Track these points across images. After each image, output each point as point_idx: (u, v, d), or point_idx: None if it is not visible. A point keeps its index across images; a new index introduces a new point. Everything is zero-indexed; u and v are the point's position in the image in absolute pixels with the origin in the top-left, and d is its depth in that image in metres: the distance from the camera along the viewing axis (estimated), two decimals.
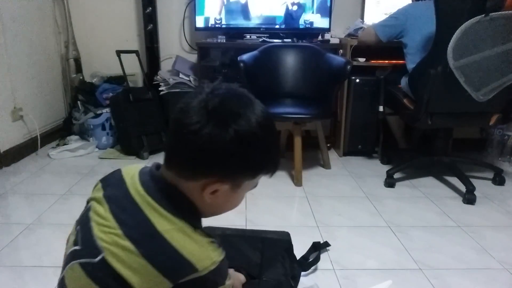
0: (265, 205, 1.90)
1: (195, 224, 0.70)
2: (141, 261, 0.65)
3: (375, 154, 2.65)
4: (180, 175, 0.69)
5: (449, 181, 2.22)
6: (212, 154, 0.65)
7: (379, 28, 2.28)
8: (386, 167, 2.35)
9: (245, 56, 2.30)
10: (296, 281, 1.27)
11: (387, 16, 2.34)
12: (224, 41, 2.66)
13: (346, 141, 2.62)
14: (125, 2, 2.92)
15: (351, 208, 1.89)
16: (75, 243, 0.72)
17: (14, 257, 1.43)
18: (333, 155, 2.65)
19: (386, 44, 2.30)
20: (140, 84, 2.99)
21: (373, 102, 2.48)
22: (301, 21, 2.75)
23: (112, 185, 0.76)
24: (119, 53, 2.61)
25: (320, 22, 2.74)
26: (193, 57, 2.93)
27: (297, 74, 2.51)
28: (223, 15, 2.72)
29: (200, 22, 2.72)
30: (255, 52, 2.43)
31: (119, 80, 2.80)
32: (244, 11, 2.72)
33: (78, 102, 2.78)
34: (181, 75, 2.70)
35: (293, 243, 1.37)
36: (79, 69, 2.93)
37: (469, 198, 1.95)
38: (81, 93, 2.80)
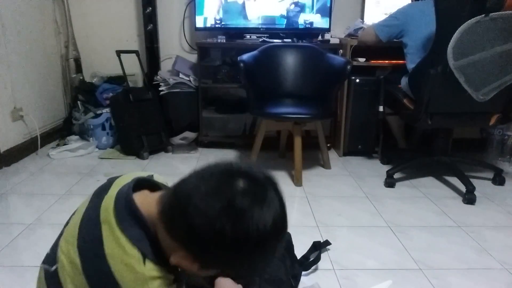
0: None
1: (151, 257, 0.66)
2: (81, 277, 0.65)
3: (375, 154, 2.65)
4: (162, 223, 0.65)
5: (449, 181, 2.22)
6: (203, 240, 0.61)
7: (379, 28, 2.28)
8: (386, 167, 2.35)
9: (245, 56, 2.30)
10: (297, 280, 1.27)
11: (387, 16, 2.34)
12: (224, 41, 2.66)
13: (346, 141, 2.62)
14: (125, 2, 2.92)
15: (351, 208, 1.89)
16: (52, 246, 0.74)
17: (14, 257, 1.43)
18: (333, 155, 2.65)
19: (386, 44, 2.30)
20: (140, 84, 2.99)
21: (373, 102, 2.48)
22: (301, 21, 2.75)
23: (97, 194, 0.75)
24: (119, 53, 2.61)
25: (320, 22, 2.74)
26: (193, 57, 2.93)
27: (297, 74, 2.51)
28: (223, 15, 2.72)
29: (200, 22, 2.72)
30: (255, 52, 2.43)
31: (119, 80, 2.79)
32: (244, 11, 2.72)
33: (78, 102, 2.78)
34: (181, 75, 2.70)
35: (293, 243, 1.37)
36: (79, 69, 2.93)
37: (469, 198, 1.95)
38: (81, 93, 2.80)
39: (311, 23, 2.75)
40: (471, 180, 2.00)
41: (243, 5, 2.70)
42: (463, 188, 2.01)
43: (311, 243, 1.48)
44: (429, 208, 1.90)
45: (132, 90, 2.61)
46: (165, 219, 0.64)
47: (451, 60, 1.77)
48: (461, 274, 1.38)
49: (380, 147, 2.64)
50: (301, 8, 2.73)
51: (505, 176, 2.21)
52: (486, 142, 2.71)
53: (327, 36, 2.71)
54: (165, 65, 2.97)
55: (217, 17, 2.72)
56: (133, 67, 2.83)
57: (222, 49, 2.84)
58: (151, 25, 2.81)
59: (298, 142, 2.16)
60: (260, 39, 2.66)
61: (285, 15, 2.73)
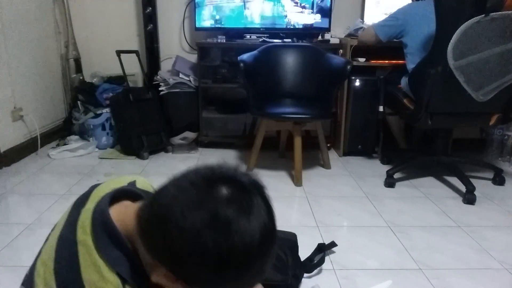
0: None
1: (131, 281, 0.62)
2: None
3: (375, 154, 2.65)
4: (142, 240, 0.59)
5: (449, 181, 2.22)
6: (185, 256, 0.55)
7: (379, 28, 2.28)
8: (386, 167, 2.35)
9: (245, 56, 2.30)
10: (298, 281, 1.27)
11: (387, 16, 2.34)
12: (224, 41, 2.66)
13: (346, 141, 2.62)
14: (125, 2, 2.92)
15: (351, 208, 1.89)
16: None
17: (14, 257, 1.43)
18: (333, 155, 2.65)
19: (386, 44, 2.30)
20: (140, 84, 2.99)
21: (373, 102, 2.48)
22: (301, 21, 2.75)
23: (76, 205, 0.70)
24: (119, 53, 2.61)
25: (320, 22, 2.74)
26: (193, 57, 2.93)
27: (297, 74, 2.51)
28: (223, 15, 2.72)
29: (200, 22, 2.72)
30: (255, 52, 2.43)
31: (119, 80, 2.80)
32: (244, 11, 2.72)
33: (78, 102, 2.78)
34: (181, 75, 2.70)
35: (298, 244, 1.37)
36: (79, 69, 2.93)
37: (469, 198, 1.95)
38: (81, 93, 2.80)
39: (311, 23, 2.75)
40: (471, 180, 2.00)
41: (243, 5, 2.70)
42: (463, 188, 2.01)
43: (311, 243, 1.48)
44: (429, 208, 1.90)
45: (132, 90, 2.61)
46: (143, 235, 0.59)
47: (451, 60, 1.77)
48: (461, 274, 1.38)
49: (380, 147, 2.64)
50: (301, 8, 2.73)
51: (505, 176, 2.21)
52: (486, 142, 2.71)
53: (327, 36, 2.71)
54: (165, 65, 2.97)
55: (217, 17, 2.72)
56: (133, 67, 2.83)
57: (222, 49, 2.84)
58: (151, 25, 2.81)
59: (298, 142, 2.16)
60: (260, 39, 2.66)
61: (285, 15, 2.73)
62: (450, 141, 2.23)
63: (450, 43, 1.75)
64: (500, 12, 1.70)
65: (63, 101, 3.01)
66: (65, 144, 2.64)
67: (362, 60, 2.47)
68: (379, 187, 2.15)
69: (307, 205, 1.92)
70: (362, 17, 2.79)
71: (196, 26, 2.73)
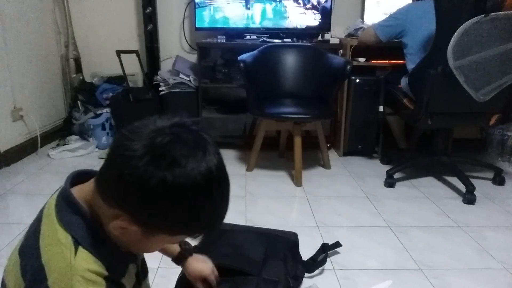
0: (265, 205, 1.90)
1: (86, 243, 0.63)
2: (19, 278, 0.63)
3: (375, 154, 2.65)
4: (97, 191, 0.63)
5: (449, 181, 2.22)
6: (131, 190, 0.57)
7: (379, 28, 2.28)
8: (386, 167, 2.35)
9: (245, 56, 2.30)
10: (299, 282, 1.26)
11: (387, 16, 2.34)
12: (224, 41, 2.66)
13: (346, 141, 2.62)
14: (125, 2, 2.92)
15: (351, 208, 1.89)
16: None
17: None
18: (333, 155, 2.65)
19: (386, 44, 2.30)
20: (140, 84, 2.99)
21: (373, 102, 2.48)
22: (301, 21, 2.75)
23: (53, 193, 0.72)
24: (119, 53, 2.61)
25: (320, 22, 2.74)
26: (193, 57, 2.93)
27: (297, 74, 2.51)
28: (223, 15, 2.72)
29: (200, 22, 2.72)
30: (255, 52, 2.43)
31: (119, 80, 2.80)
32: (244, 11, 2.72)
33: (78, 102, 2.78)
34: (181, 75, 2.70)
35: (299, 244, 1.37)
36: (79, 69, 2.93)
37: (469, 198, 1.95)
38: (81, 93, 2.80)
39: (311, 23, 2.75)
40: (471, 180, 2.00)
41: (245, 5, 2.70)
42: (463, 188, 2.01)
43: (311, 243, 1.49)
44: (429, 208, 1.90)
45: (132, 90, 2.61)
46: (99, 183, 0.63)
47: (451, 60, 1.77)
48: (461, 274, 1.38)
49: (380, 147, 2.64)
50: (305, 9, 2.72)
51: (505, 176, 2.21)
52: (486, 142, 2.72)
53: (327, 36, 2.71)
54: (165, 65, 2.97)
55: (217, 17, 2.72)
56: (133, 67, 2.83)
57: (222, 49, 2.84)
58: (151, 25, 2.81)
59: (298, 142, 2.16)
60: (260, 39, 2.66)
61: (285, 15, 2.73)
62: (450, 141, 2.23)
63: (450, 43, 1.75)
64: (500, 12, 1.70)
65: (63, 101, 3.01)
66: (65, 144, 2.64)
67: (362, 60, 2.47)
68: (379, 187, 2.15)
69: (307, 205, 1.92)
70: (362, 17, 2.79)
71: (196, 26, 2.73)
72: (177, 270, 1.05)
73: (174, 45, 2.98)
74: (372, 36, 2.31)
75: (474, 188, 1.96)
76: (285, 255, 1.26)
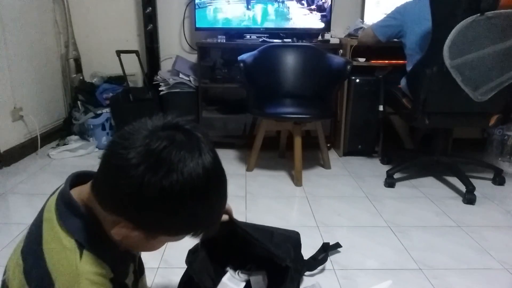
0: (265, 205, 1.90)
1: (90, 246, 0.63)
2: (22, 276, 0.63)
3: (375, 154, 2.65)
4: (96, 199, 0.63)
5: (449, 181, 2.22)
6: (130, 197, 0.57)
7: (377, 29, 2.28)
8: (386, 167, 2.35)
9: (245, 56, 2.30)
10: (300, 275, 1.26)
11: (385, 16, 2.33)
12: (224, 41, 2.66)
13: (346, 141, 2.62)
14: (125, 2, 2.91)
15: (351, 208, 1.89)
16: None
17: None
18: (333, 155, 2.65)
19: (386, 44, 2.30)
20: (140, 84, 2.99)
21: (373, 102, 2.48)
22: (301, 21, 2.74)
23: (50, 195, 0.72)
24: (119, 53, 2.61)
25: (320, 22, 2.74)
26: (193, 57, 2.93)
27: (297, 74, 2.51)
28: (223, 15, 2.72)
29: (200, 22, 2.72)
30: (255, 52, 2.43)
31: (119, 80, 2.79)
32: (245, 12, 2.72)
33: (78, 102, 2.78)
34: (181, 75, 2.70)
35: (301, 242, 1.36)
36: (79, 69, 2.93)
37: (469, 198, 1.95)
38: (81, 93, 2.80)
39: (311, 23, 2.75)
40: (471, 180, 2.00)
41: (246, 5, 2.70)
42: (463, 188, 2.01)
43: (311, 243, 1.49)
44: (429, 208, 1.90)
45: (132, 90, 2.61)
46: (96, 191, 0.62)
47: (447, 59, 1.77)
48: (461, 274, 1.38)
49: (380, 147, 2.64)
50: (310, 11, 2.72)
51: (505, 176, 2.21)
52: (486, 142, 2.72)
53: (327, 36, 2.71)
54: (165, 65, 2.97)
55: (217, 17, 2.72)
56: (133, 67, 2.83)
57: (222, 49, 2.84)
58: (151, 25, 2.81)
59: (298, 142, 2.16)
60: (260, 39, 2.66)
61: (288, 16, 2.73)
62: (450, 141, 2.23)
63: (446, 42, 1.75)
64: (495, 11, 1.71)
65: (63, 101, 3.01)
66: (65, 144, 2.64)
67: (362, 60, 2.47)
68: (379, 187, 2.15)
69: (307, 205, 1.92)
70: (362, 17, 2.79)
71: (196, 26, 2.73)
72: (177, 270, 1.05)
73: (174, 45, 2.98)
74: (371, 37, 2.31)
75: (474, 188, 1.96)
76: (288, 248, 1.25)
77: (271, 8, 2.73)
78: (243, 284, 1.01)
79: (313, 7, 2.72)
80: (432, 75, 1.88)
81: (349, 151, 2.64)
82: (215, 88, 2.84)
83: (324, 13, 2.73)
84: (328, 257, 1.45)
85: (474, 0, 1.72)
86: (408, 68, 2.14)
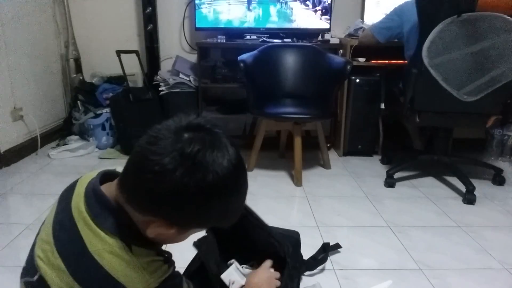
0: (265, 205, 1.90)
1: (135, 242, 0.66)
2: (70, 280, 0.63)
3: (375, 154, 2.65)
4: (128, 202, 0.65)
5: (449, 181, 2.22)
6: (168, 200, 0.61)
7: (376, 30, 2.29)
8: (386, 167, 2.35)
9: (245, 56, 2.30)
10: (298, 274, 1.26)
11: (384, 17, 2.33)
12: (224, 41, 2.66)
13: (346, 141, 2.62)
14: (125, 2, 2.91)
15: (351, 208, 1.89)
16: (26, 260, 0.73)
17: (14, 257, 1.43)
18: (333, 155, 2.65)
19: (387, 44, 2.31)
20: (140, 84, 2.99)
21: (373, 102, 2.48)
22: (301, 21, 2.75)
23: (64, 196, 0.73)
24: (119, 53, 2.61)
25: (320, 22, 2.74)
26: (193, 57, 2.93)
27: (297, 74, 2.51)
28: (224, 16, 2.72)
29: (200, 22, 2.72)
30: (255, 52, 2.43)
31: (119, 80, 2.79)
32: (244, 11, 2.72)
33: (78, 102, 2.78)
34: (181, 75, 2.70)
35: (300, 242, 1.36)
36: (79, 69, 2.93)
37: (469, 198, 1.95)
38: (81, 93, 2.80)
39: (311, 23, 2.75)
40: (471, 180, 2.00)
41: (247, 6, 2.70)
42: (463, 188, 2.01)
43: (311, 243, 1.49)
44: (429, 208, 1.90)
45: (132, 90, 2.61)
46: (126, 192, 0.64)
47: (425, 58, 1.83)
48: (461, 274, 1.38)
49: (380, 147, 2.64)
50: (315, 12, 2.72)
51: (505, 176, 2.21)
52: (486, 142, 2.72)
53: (327, 36, 2.71)
54: (165, 65, 2.97)
55: (217, 17, 2.72)
56: (133, 67, 2.83)
57: (222, 49, 2.84)
58: (151, 25, 2.81)
59: (298, 142, 2.16)
60: (260, 39, 2.66)
61: (284, 14, 2.73)
62: (450, 141, 2.23)
63: (425, 43, 1.81)
64: (471, 13, 1.75)
65: (63, 101, 3.01)
66: (65, 144, 2.64)
67: (362, 60, 2.47)
68: (379, 187, 2.15)
69: (307, 205, 1.92)
70: (362, 17, 2.79)
71: (196, 26, 2.73)
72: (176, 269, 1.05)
73: (174, 45, 2.98)
74: (370, 38, 2.32)
75: (474, 188, 1.96)
76: (287, 245, 1.24)
77: (273, 9, 2.72)
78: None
79: (318, 8, 2.71)
80: (417, 73, 1.91)
81: (349, 151, 2.64)
82: (215, 88, 2.84)
83: (325, 13, 2.73)
84: (328, 257, 1.45)
85: (454, 1, 1.76)
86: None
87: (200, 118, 0.66)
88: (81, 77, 2.91)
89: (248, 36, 2.69)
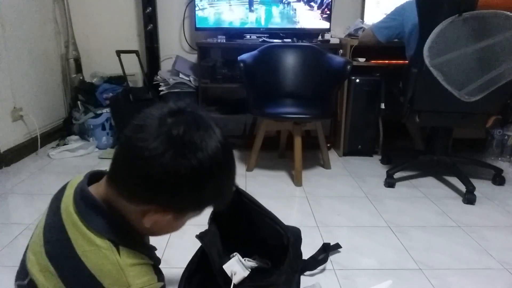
0: (265, 205, 1.89)
1: (123, 243, 0.65)
2: (57, 282, 0.63)
3: (375, 154, 2.65)
4: (120, 195, 0.64)
5: (449, 181, 2.22)
6: (162, 185, 0.61)
7: (377, 30, 2.28)
8: (386, 167, 2.35)
9: (245, 56, 2.30)
10: (296, 273, 1.25)
11: (385, 16, 2.33)
12: (224, 41, 2.66)
13: (346, 141, 2.62)
14: (125, 2, 2.92)
15: (351, 208, 1.89)
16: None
17: (14, 257, 1.43)
18: (333, 155, 2.65)
19: (387, 44, 2.31)
20: (140, 84, 2.99)
21: (373, 102, 2.48)
22: (301, 21, 2.75)
23: (54, 200, 0.73)
24: (119, 53, 2.61)
25: (320, 22, 2.74)
26: (193, 57, 2.93)
27: (297, 74, 2.51)
28: (223, 15, 2.72)
29: (200, 22, 2.72)
30: (255, 52, 2.43)
31: (119, 80, 2.79)
32: (244, 11, 2.72)
33: (78, 102, 2.78)
34: (181, 75, 2.70)
35: (301, 238, 1.36)
36: (79, 69, 2.93)
37: (469, 198, 1.95)
38: (81, 93, 2.80)
39: (311, 23, 2.75)
40: (471, 180, 2.00)
41: (248, 6, 2.70)
42: (463, 188, 2.01)
43: (311, 243, 1.49)
44: (429, 208, 1.90)
45: (132, 90, 2.61)
46: (116, 184, 0.64)
47: (427, 58, 1.82)
48: (461, 274, 1.38)
49: (380, 147, 2.64)
50: (298, 7, 2.73)
51: (505, 176, 2.21)
52: (486, 142, 2.72)
53: (327, 36, 2.71)
54: (165, 65, 2.97)
55: (218, 17, 2.72)
56: (133, 67, 2.83)
57: (222, 49, 2.84)
58: (151, 25, 2.81)
59: (298, 142, 2.16)
60: (260, 39, 2.66)
61: (285, 15, 2.73)
62: (450, 141, 2.23)
63: (426, 43, 1.80)
64: (471, 12, 1.75)
65: (63, 101, 3.01)
66: (65, 144, 2.64)
67: (362, 60, 2.47)
68: (379, 187, 2.15)
69: (307, 205, 1.92)
70: (362, 17, 2.79)
71: (196, 26, 2.73)
72: (178, 270, 1.05)
73: (174, 45, 2.98)
74: (371, 38, 2.32)
75: (474, 188, 1.96)
76: (291, 236, 1.24)
77: (275, 10, 2.72)
78: (248, 271, 1.01)
79: (323, 9, 2.71)
80: (418, 73, 1.91)
81: (349, 151, 2.64)
82: (215, 88, 2.84)
83: (325, 13, 2.73)
84: (328, 257, 1.45)
85: (455, 1, 1.76)
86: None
87: (180, 102, 0.66)
88: (81, 77, 2.91)
89: (248, 36, 2.70)
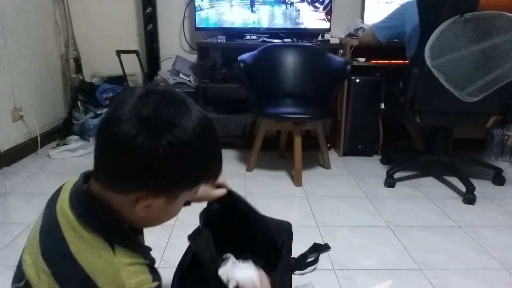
0: (265, 205, 1.90)
1: (118, 241, 0.64)
2: (52, 282, 0.63)
3: (375, 154, 2.65)
4: (108, 188, 0.63)
5: (449, 181, 2.22)
6: (143, 167, 0.59)
7: (377, 30, 2.28)
8: (386, 167, 2.35)
9: (245, 56, 2.30)
10: (288, 268, 1.25)
11: (385, 16, 2.33)
12: (224, 41, 2.66)
13: (346, 141, 2.62)
14: (125, 2, 2.92)
15: (351, 208, 1.89)
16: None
17: (14, 257, 1.42)
18: (333, 155, 2.65)
19: (387, 44, 2.30)
20: (140, 84, 2.99)
21: (373, 102, 2.48)
22: (301, 21, 2.75)
23: (50, 201, 0.72)
24: (119, 53, 2.61)
25: (320, 22, 2.74)
26: (193, 57, 2.93)
27: (297, 74, 2.51)
28: (223, 16, 2.72)
29: (200, 22, 2.72)
30: (255, 52, 2.43)
31: (119, 80, 2.80)
32: (245, 12, 2.72)
33: (78, 102, 2.78)
34: (181, 75, 2.70)
35: (293, 243, 1.36)
36: (79, 69, 2.93)
37: (469, 198, 1.95)
38: (81, 93, 2.80)
39: (311, 23, 2.75)
40: (471, 180, 2.00)
41: (248, 7, 2.70)
42: (463, 188, 2.01)
43: (311, 243, 1.48)
44: (429, 208, 1.90)
45: None
46: (102, 177, 0.63)
47: (428, 59, 1.82)
48: (461, 274, 1.38)
49: (380, 147, 2.64)
50: (301, 8, 2.73)
51: (505, 176, 2.21)
52: (486, 142, 2.71)
53: (327, 36, 2.71)
54: (165, 65, 2.97)
55: (218, 17, 2.72)
56: (133, 67, 2.83)
57: (222, 49, 2.84)
58: (151, 25, 2.81)
59: (298, 142, 2.16)
60: (260, 39, 2.66)
61: (285, 15, 2.73)
62: (450, 141, 2.23)
63: (427, 43, 1.81)
64: (473, 13, 1.75)
65: (63, 101, 3.01)
66: (65, 144, 2.64)
67: (362, 60, 2.47)
68: (379, 187, 2.15)
69: (307, 205, 1.92)
70: (362, 17, 2.79)
71: (196, 26, 2.73)
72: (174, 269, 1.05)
73: (174, 45, 2.98)
74: (371, 37, 2.32)
75: (474, 188, 1.96)
76: (283, 237, 1.23)
77: (277, 11, 2.71)
78: (243, 272, 1.00)
79: (328, 9, 2.70)
80: (418, 73, 1.91)
81: (349, 151, 2.64)
82: (215, 88, 2.84)
83: (325, 13, 2.73)
84: (326, 257, 1.45)
85: (456, 1, 1.76)
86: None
87: (152, 84, 0.66)
88: (81, 77, 2.91)
89: (248, 36, 2.69)
